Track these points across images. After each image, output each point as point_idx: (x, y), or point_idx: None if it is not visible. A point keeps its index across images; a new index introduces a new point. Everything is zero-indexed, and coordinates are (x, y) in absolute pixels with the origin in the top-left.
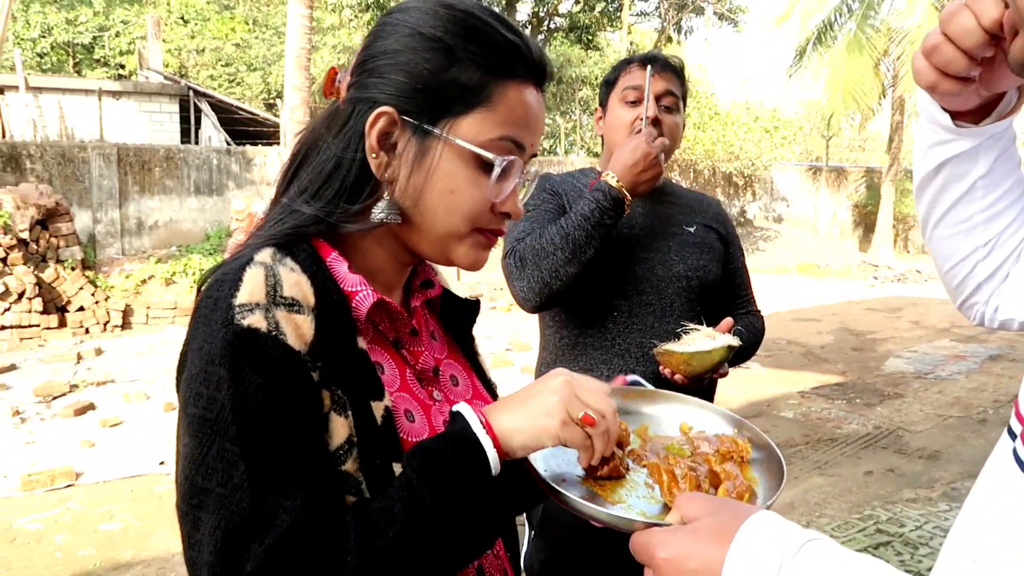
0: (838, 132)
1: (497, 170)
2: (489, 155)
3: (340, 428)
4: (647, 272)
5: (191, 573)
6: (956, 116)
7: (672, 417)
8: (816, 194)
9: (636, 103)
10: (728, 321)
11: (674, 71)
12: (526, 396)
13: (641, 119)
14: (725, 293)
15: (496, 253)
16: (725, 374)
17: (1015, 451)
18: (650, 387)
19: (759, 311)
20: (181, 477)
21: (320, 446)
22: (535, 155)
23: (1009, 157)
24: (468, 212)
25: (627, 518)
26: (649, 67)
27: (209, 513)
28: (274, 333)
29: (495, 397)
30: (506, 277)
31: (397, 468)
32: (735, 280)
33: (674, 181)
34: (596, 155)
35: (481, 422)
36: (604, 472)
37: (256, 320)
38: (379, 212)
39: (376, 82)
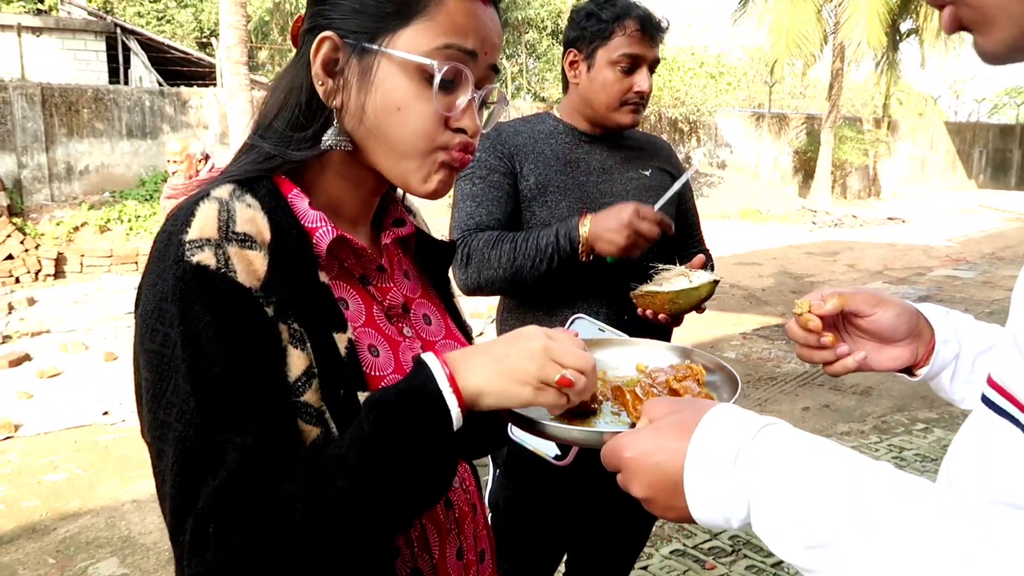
0: (781, 79)
1: (438, 77)
2: (428, 62)
3: (297, 360)
4: None
5: (160, 501)
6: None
7: (625, 359)
8: (759, 140)
9: (629, 71)
10: (700, 258)
11: (663, 32)
12: (501, 355)
13: (634, 92)
14: (678, 234)
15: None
16: (703, 310)
17: (983, 395)
18: (596, 324)
19: (708, 251)
20: (145, 409)
21: (274, 381)
22: (498, 70)
23: (971, 346)
24: (418, 129)
25: (598, 431)
26: (693, 165)
27: (169, 446)
28: (223, 270)
29: (470, 340)
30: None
31: (362, 397)
32: (687, 221)
33: None
34: (542, 100)
35: (447, 375)
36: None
37: (205, 257)
38: (328, 139)
39: (322, 9)
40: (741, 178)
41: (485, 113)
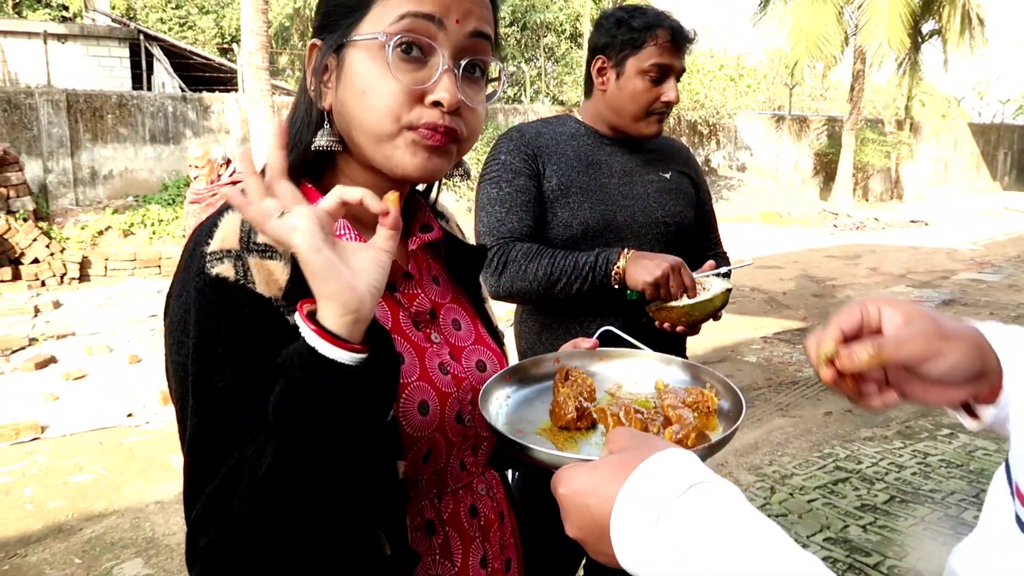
0: (801, 81)
1: (389, 47)
2: (380, 36)
3: None
4: (628, 219)
5: None
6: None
7: (645, 375)
8: (779, 143)
9: (658, 81)
10: (710, 263)
11: (690, 42)
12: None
13: (661, 101)
14: (696, 236)
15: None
16: (719, 317)
17: (1017, 515)
18: (622, 336)
19: (725, 253)
20: (177, 419)
21: None
22: (486, 36)
23: None
24: (383, 107)
25: (556, 454)
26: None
27: (185, 452)
28: (242, 281)
29: (501, 345)
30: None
31: None
32: (705, 223)
33: None
34: (561, 103)
35: (303, 317)
36: (568, 423)
37: (224, 269)
38: (320, 139)
39: (316, 25)
40: (761, 181)
41: (485, 89)
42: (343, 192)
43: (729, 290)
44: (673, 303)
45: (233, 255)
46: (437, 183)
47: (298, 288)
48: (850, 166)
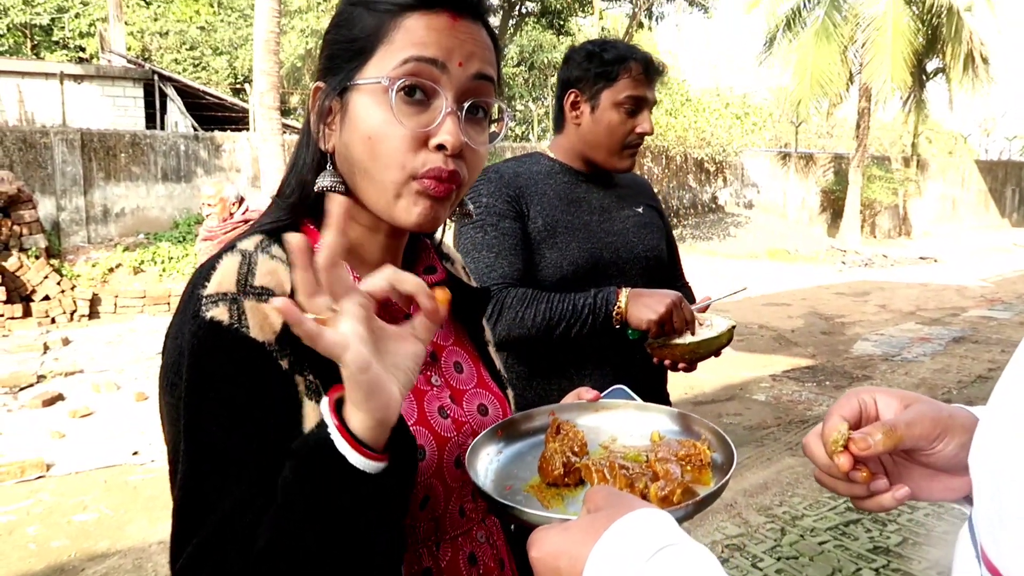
0: (807, 119)
1: (392, 92)
2: (384, 81)
3: (311, 412)
4: (613, 256)
5: None
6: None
7: (641, 426)
8: (785, 180)
9: (633, 113)
10: (707, 297)
11: (661, 75)
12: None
13: (636, 132)
14: (666, 266)
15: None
16: (720, 354)
17: None
18: (635, 397)
19: (688, 284)
20: (168, 460)
21: (286, 434)
22: (489, 79)
23: None
24: (390, 153)
25: (535, 513)
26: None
27: (175, 497)
28: (235, 326)
29: (503, 389)
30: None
31: None
32: (672, 255)
33: (646, 168)
34: None
35: (330, 409)
36: (557, 479)
37: (219, 312)
38: (323, 180)
39: (320, 67)
40: (768, 218)
41: (488, 130)
42: (394, 279)
43: (733, 327)
44: (677, 340)
45: (229, 298)
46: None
47: (292, 332)
48: (857, 203)
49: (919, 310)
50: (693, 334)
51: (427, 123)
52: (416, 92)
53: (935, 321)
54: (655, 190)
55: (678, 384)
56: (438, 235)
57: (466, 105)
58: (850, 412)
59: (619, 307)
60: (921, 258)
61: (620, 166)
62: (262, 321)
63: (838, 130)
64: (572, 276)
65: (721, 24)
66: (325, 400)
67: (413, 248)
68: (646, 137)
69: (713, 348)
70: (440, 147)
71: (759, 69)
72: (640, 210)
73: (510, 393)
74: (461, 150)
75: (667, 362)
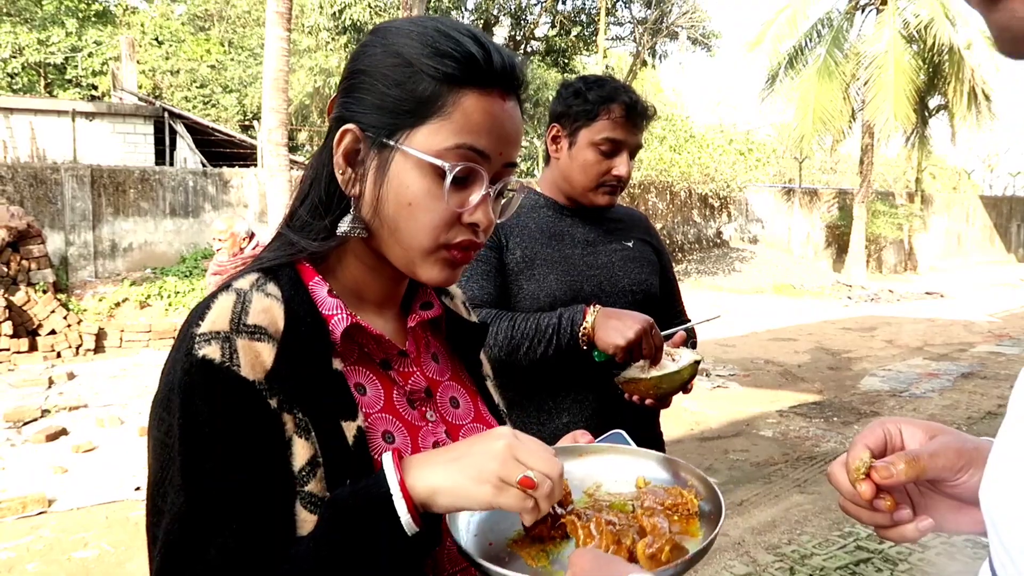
0: (810, 154)
1: (449, 177)
2: (440, 162)
3: (302, 450)
4: (595, 288)
5: None
6: None
7: (627, 471)
8: (790, 215)
9: (609, 155)
10: (681, 335)
11: (648, 119)
12: (461, 453)
13: (612, 175)
14: (662, 305)
15: None
16: (690, 390)
17: None
18: (631, 442)
19: (689, 320)
20: (147, 494)
21: (272, 475)
22: (515, 165)
23: None
24: (427, 224)
25: (506, 574)
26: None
27: (160, 532)
28: (226, 364)
29: (502, 423)
30: None
31: None
32: (669, 291)
33: (650, 203)
34: None
35: (398, 477)
36: (541, 532)
37: (211, 351)
38: (344, 226)
39: (348, 102)
40: (773, 253)
41: (502, 202)
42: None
43: (698, 362)
44: (641, 375)
45: (221, 337)
46: None
47: (282, 369)
48: (862, 238)
49: (926, 345)
50: (658, 363)
51: (465, 203)
52: (465, 177)
53: (943, 356)
54: (658, 225)
55: (684, 420)
56: None
57: (496, 188)
58: (875, 441)
59: (586, 327)
60: (927, 293)
61: (597, 202)
62: (253, 360)
63: (842, 165)
64: (549, 307)
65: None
66: (389, 456)
67: (411, 285)
68: (653, 173)
69: (677, 383)
70: (472, 225)
71: (762, 106)
72: (630, 244)
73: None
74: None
75: (636, 398)
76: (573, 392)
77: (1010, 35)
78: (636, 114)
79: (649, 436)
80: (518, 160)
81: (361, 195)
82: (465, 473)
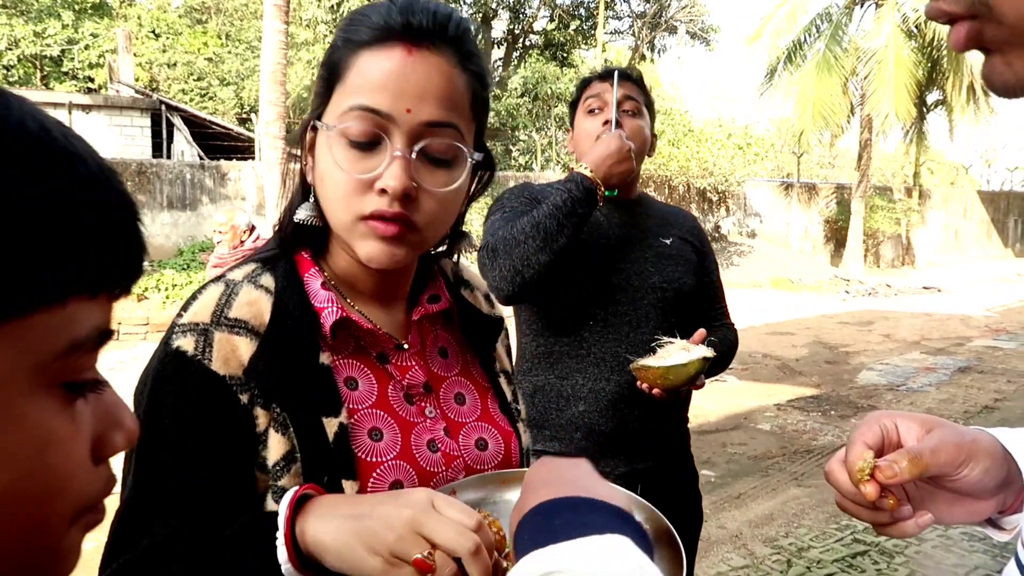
0: (808, 149)
1: (332, 139)
2: (330, 127)
3: (277, 445)
4: (623, 282)
5: None
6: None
7: None
8: (788, 210)
9: (597, 112)
10: (701, 332)
11: (632, 80)
12: (365, 512)
13: (605, 123)
14: (700, 305)
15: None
16: (701, 385)
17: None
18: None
19: (732, 324)
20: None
21: (230, 470)
22: (446, 124)
23: None
24: (335, 195)
25: None
26: (616, 77)
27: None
28: (198, 357)
29: (513, 421)
30: (480, 270)
31: (347, 485)
32: (709, 293)
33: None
34: (570, 171)
35: (285, 519)
36: None
37: (186, 343)
38: (301, 213)
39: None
40: (771, 247)
41: (457, 173)
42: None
43: (707, 359)
44: (650, 364)
45: (199, 329)
46: (457, 252)
47: (260, 364)
48: (860, 233)
49: (924, 340)
50: (667, 361)
51: (373, 167)
52: (363, 138)
53: (940, 351)
54: None
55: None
56: (455, 258)
57: (417, 147)
58: (873, 439)
59: (593, 178)
60: (925, 287)
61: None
62: (229, 354)
63: (840, 160)
64: (574, 294)
65: (723, 56)
66: (290, 494)
67: (420, 277)
68: (651, 168)
69: (683, 377)
70: (383, 191)
71: (761, 100)
72: (668, 241)
73: (521, 427)
74: (411, 194)
75: (645, 387)
76: (591, 382)
77: (990, 85)
78: (609, 74)
79: (660, 431)
80: (452, 119)
81: (312, 182)
82: (358, 537)
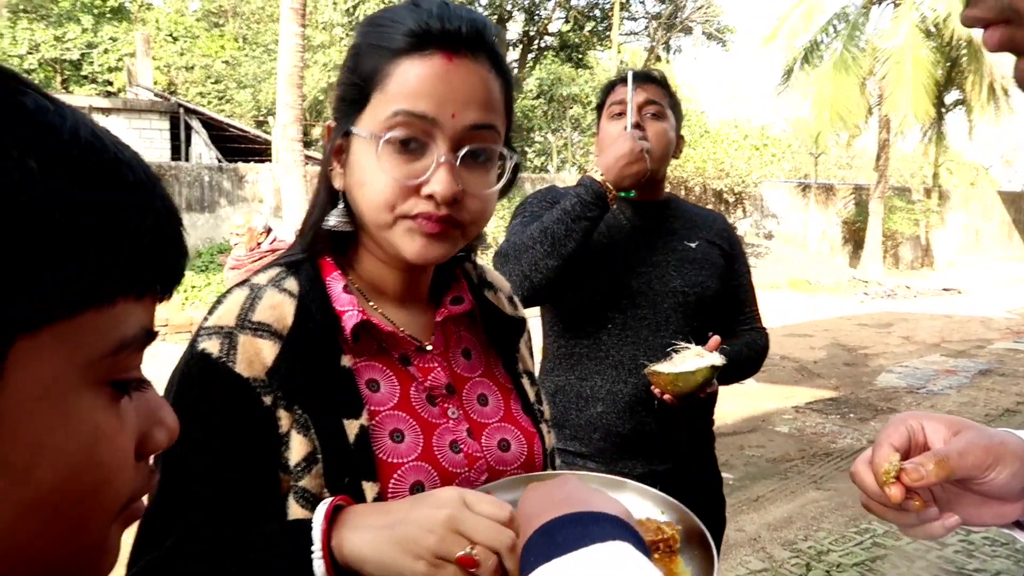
0: (826, 150)
1: (379, 145)
2: (374, 134)
3: (299, 446)
4: (643, 286)
5: None
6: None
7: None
8: (805, 211)
9: (621, 115)
10: (716, 340)
11: (655, 82)
12: (398, 519)
13: (626, 128)
14: (727, 310)
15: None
16: (713, 392)
17: None
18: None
19: (763, 328)
20: None
21: (252, 470)
22: (487, 127)
23: None
24: (378, 199)
25: None
26: (630, 77)
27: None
28: (222, 360)
29: (537, 423)
30: None
31: (367, 486)
32: (738, 297)
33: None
34: (586, 172)
35: (322, 533)
36: None
37: (211, 345)
38: (331, 220)
39: (333, 100)
40: (788, 249)
41: (495, 172)
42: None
43: (716, 367)
44: (661, 369)
45: (224, 332)
46: (474, 252)
47: (283, 366)
48: (879, 234)
49: (944, 342)
50: (676, 368)
51: (419, 172)
52: (409, 143)
53: (960, 353)
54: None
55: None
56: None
57: (461, 153)
58: (899, 440)
59: (604, 182)
60: (944, 289)
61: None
62: (252, 357)
63: (858, 161)
64: (591, 299)
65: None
66: (323, 506)
67: (445, 278)
68: (668, 153)
69: (691, 385)
70: (430, 196)
71: (777, 101)
72: (693, 245)
73: (544, 428)
74: (457, 197)
75: (657, 391)
76: (609, 383)
77: (1022, 86)
78: (636, 77)
79: (679, 435)
80: (493, 121)
81: (345, 187)
82: (399, 545)
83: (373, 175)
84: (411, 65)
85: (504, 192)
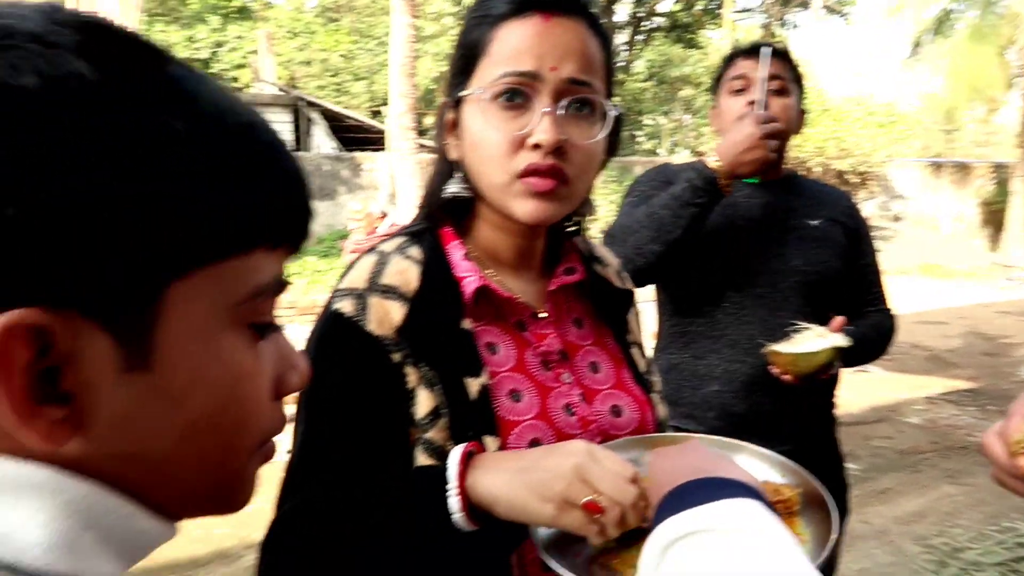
0: (960, 126)
1: (486, 99)
2: (481, 92)
3: (426, 400)
4: (761, 265)
5: None
6: None
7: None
8: (938, 191)
9: (742, 91)
10: (840, 320)
11: (778, 55)
12: (529, 465)
13: (749, 104)
14: (852, 290)
15: None
16: (835, 375)
17: None
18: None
19: (890, 310)
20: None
21: (384, 422)
22: (585, 84)
23: None
24: (493, 157)
25: None
26: (764, 52)
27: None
28: (356, 319)
29: (647, 392)
30: None
31: (489, 441)
32: (864, 276)
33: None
34: (699, 155)
35: (457, 473)
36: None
37: (344, 305)
38: (449, 187)
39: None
40: (919, 231)
41: (600, 127)
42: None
43: (839, 348)
44: (781, 349)
45: (355, 294)
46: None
47: (410, 326)
48: (1022, 216)
49: None
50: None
51: (525, 126)
52: (514, 97)
53: None
54: None
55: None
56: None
57: (564, 103)
58: None
59: (718, 170)
60: None
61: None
62: (382, 316)
63: (997, 137)
64: (708, 279)
65: (860, 30)
66: (458, 451)
67: (555, 250)
68: (792, 128)
69: (813, 365)
70: (536, 146)
71: (904, 75)
72: (815, 223)
73: (655, 397)
74: (562, 147)
75: (777, 371)
76: (725, 363)
77: None
78: (753, 50)
79: (797, 415)
80: (591, 77)
81: (460, 156)
82: (529, 488)
83: (484, 134)
84: (512, 28)
85: (611, 150)
